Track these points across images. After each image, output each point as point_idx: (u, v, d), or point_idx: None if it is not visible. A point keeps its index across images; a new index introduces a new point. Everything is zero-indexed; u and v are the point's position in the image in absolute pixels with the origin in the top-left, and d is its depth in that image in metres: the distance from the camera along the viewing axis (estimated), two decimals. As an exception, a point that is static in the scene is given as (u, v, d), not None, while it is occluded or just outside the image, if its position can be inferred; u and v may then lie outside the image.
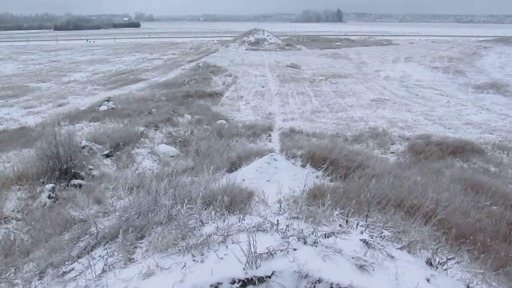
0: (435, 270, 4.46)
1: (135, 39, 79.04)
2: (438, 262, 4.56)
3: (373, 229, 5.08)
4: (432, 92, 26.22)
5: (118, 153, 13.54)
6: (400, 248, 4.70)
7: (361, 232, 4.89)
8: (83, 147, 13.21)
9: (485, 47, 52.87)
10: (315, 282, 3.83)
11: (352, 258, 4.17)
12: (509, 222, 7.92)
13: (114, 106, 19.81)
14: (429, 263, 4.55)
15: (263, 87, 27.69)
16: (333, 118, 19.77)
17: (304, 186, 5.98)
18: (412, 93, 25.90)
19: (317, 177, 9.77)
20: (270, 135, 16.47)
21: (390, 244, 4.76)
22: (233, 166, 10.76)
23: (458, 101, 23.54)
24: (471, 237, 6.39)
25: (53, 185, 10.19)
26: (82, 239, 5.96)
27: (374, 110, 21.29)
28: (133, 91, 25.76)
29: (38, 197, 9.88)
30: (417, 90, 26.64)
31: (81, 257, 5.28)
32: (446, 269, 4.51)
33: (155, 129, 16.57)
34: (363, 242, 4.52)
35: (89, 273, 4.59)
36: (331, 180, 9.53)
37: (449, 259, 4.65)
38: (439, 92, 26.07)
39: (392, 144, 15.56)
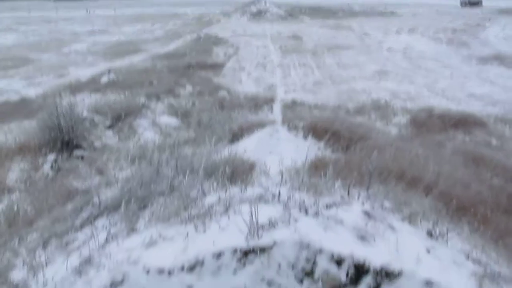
0: (435, 241, 4.49)
1: (136, 10, 78.08)
2: (439, 233, 4.59)
3: (374, 200, 5.10)
4: (435, 64, 25.96)
5: (119, 124, 13.50)
6: (401, 219, 4.72)
7: (363, 203, 4.91)
8: (85, 119, 13.16)
9: (489, 19, 52.17)
10: (316, 252, 3.86)
11: (353, 228, 4.20)
12: (509, 194, 7.94)
13: (115, 77, 19.68)
14: (430, 234, 4.58)
15: (265, 58, 27.44)
16: (335, 90, 19.62)
17: (306, 158, 5.99)
18: (415, 64, 25.65)
19: (318, 148, 9.77)
20: (271, 107, 16.38)
21: (391, 215, 4.78)
22: (235, 138, 10.75)
23: (462, 73, 23.33)
24: (472, 209, 6.41)
25: (55, 156, 10.21)
26: (85, 209, 6.00)
27: (377, 82, 21.11)
28: (134, 62, 25.55)
29: (40, 168, 9.91)
30: (420, 62, 26.37)
31: (84, 227, 5.32)
32: (446, 240, 4.54)
33: (157, 101, 16.48)
34: (364, 213, 4.55)
35: (93, 243, 4.63)
36: (332, 152, 9.53)
37: (450, 230, 4.67)
38: (442, 64, 25.80)
39: (394, 116, 15.46)
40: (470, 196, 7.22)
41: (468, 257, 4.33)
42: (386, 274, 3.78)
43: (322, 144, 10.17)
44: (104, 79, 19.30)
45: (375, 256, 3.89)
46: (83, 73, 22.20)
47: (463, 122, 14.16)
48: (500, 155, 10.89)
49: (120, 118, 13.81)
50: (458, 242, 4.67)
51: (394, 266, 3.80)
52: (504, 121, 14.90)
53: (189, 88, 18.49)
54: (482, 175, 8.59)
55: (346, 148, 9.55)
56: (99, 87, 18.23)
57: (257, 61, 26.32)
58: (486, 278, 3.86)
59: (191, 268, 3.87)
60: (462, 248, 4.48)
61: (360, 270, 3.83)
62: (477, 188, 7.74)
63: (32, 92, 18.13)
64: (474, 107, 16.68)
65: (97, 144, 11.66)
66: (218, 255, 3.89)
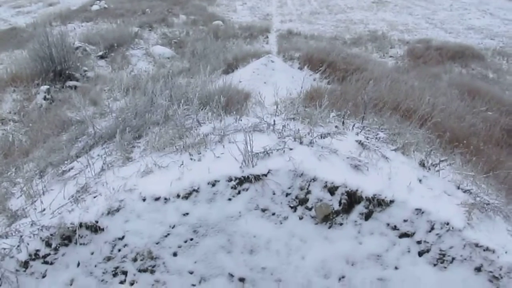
0: (428, 171, 4.55)
1: None
2: (431, 163, 4.64)
3: (368, 131, 5.11)
4: (435, -6, 25.37)
5: (112, 54, 13.31)
6: (395, 150, 4.75)
7: (357, 134, 4.92)
8: (77, 48, 12.95)
9: None
10: (310, 181, 3.91)
11: (347, 158, 4.23)
12: (503, 127, 8.00)
13: (106, 5, 19.19)
14: (422, 164, 4.63)
15: (260, -14, 26.70)
16: (332, 20, 19.28)
17: (301, 88, 5.94)
18: (415, -5, 25.06)
19: (314, 79, 9.71)
20: (267, 37, 16.14)
21: (385, 145, 4.81)
22: (230, 68, 10.65)
23: (461, 4, 22.87)
24: (465, 141, 6.46)
25: (48, 86, 10.12)
26: (80, 139, 6.00)
27: (375, 13, 20.73)
28: (126, -11, 24.80)
29: (33, 99, 9.84)
30: (420, -8, 25.75)
31: (79, 157, 5.34)
32: (438, 171, 4.59)
33: (150, 30, 16.19)
34: (359, 143, 4.57)
35: (89, 171, 4.66)
36: (328, 83, 9.49)
37: (442, 161, 4.72)
38: (442, -5, 25.22)
39: (391, 47, 15.33)
40: (464, 128, 7.27)
41: (458, 187, 4.39)
42: (378, 202, 3.86)
43: (317, 75, 10.11)
44: (95, 7, 18.84)
45: (368, 184, 3.94)
46: (74, 2, 21.63)
47: (460, 55, 14.08)
48: (496, 88, 10.90)
49: (113, 48, 13.62)
50: (450, 172, 4.72)
51: (386, 195, 3.87)
52: (502, 54, 14.82)
53: (182, 17, 18.10)
54: (476, 107, 8.61)
55: (342, 79, 9.50)
56: (90, 15, 17.83)
57: (252, -11, 25.61)
58: (476, 207, 3.94)
59: (187, 196, 3.92)
60: (453, 179, 4.54)
61: (352, 198, 3.90)
62: (471, 120, 7.79)
63: (21, 21, 17.74)
64: (472, 40, 16.52)
65: (90, 74, 11.55)
66: (213, 183, 3.94)
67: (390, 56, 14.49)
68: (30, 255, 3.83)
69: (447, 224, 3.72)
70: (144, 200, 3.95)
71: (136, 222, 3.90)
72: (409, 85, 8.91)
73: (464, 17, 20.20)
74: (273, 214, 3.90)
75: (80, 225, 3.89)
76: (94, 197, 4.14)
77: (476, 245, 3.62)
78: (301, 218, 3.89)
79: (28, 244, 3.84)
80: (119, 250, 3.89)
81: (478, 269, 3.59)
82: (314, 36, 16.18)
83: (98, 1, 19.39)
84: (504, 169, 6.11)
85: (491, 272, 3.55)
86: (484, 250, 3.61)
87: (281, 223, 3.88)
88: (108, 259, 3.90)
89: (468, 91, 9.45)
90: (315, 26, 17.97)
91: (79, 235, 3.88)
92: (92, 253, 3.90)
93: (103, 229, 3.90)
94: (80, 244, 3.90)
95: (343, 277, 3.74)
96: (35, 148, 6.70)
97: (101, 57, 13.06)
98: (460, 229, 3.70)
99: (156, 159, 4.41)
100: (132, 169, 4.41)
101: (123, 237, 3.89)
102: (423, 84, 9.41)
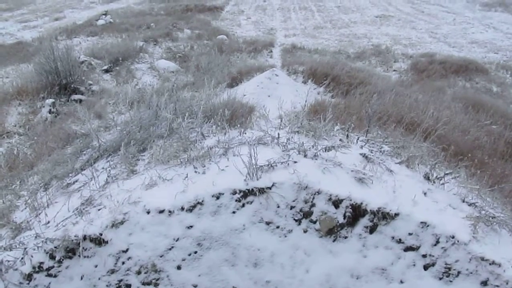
0: (432, 184, 4.54)
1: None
2: (436, 177, 4.63)
3: (373, 144, 5.11)
4: (438, 9, 25.50)
5: (117, 68, 13.40)
6: (399, 163, 4.75)
7: (361, 147, 4.93)
8: (82, 62, 13.04)
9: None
10: (315, 194, 3.90)
11: (352, 171, 4.22)
12: (507, 141, 7.99)
13: (111, 20, 19.36)
14: (427, 177, 4.62)
15: (264, 1, 26.95)
16: (335, 34, 19.38)
17: (305, 102, 5.95)
18: (418, 9, 25.20)
19: (318, 93, 9.74)
20: (271, 51, 16.23)
21: (389, 158, 4.81)
22: (234, 82, 10.69)
23: (465, 19, 22.95)
24: (469, 154, 6.45)
25: (53, 100, 10.18)
26: (84, 152, 6.02)
27: (378, 27, 20.83)
28: (131, 4, 25.08)
29: (39, 112, 9.89)
30: (423, 7, 25.90)
31: (84, 169, 5.35)
32: (443, 184, 4.58)
33: (154, 44, 16.29)
34: (363, 156, 4.57)
35: (93, 184, 4.67)
36: (332, 97, 9.51)
37: (447, 174, 4.70)
38: (445, 9, 25.36)
39: (395, 62, 15.37)
40: (468, 141, 7.27)
41: (463, 200, 4.38)
42: (383, 216, 3.84)
43: (321, 88, 10.14)
44: (101, 22, 19.00)
45: (373, 198, 3.93)
46: (79, 16, 21.84)
47: (464, 69, 14.10)
48: (500, 102, 10.90)
49: (118, 62, 13.70)
50: (455, 186, 4.71)
51: (391, 208, 3.86)
52: (506, 68, 14.83)
53: (187, 31, 18.23)
54: (481, 121, 8.61)
55: (346, 93, 9.53)
56: (96, 30, 17.99)
57: (256, 4, 25.86)
58: (481, 221, 3.92)
59: (191, 209, 3.92)
60: (458, 192, 4.53)
61: (357, 212, 3.88)
62: (475, 133, 7.78)
63: (27, 35, 17.90)
64: (476, 54, 16.55)
65: (95, 88, 11.61)
66: (218, 196, 3.94)
67: (394, 70, 14.53)
68: (34, 267, 3.82)
69: (453, 237, 3.70)
70: (148, 212, 3.95)
71: (140, 234, 3.89)
72: (413, 98, 8.93)
73: (467, 31, 20.27)
74: (278, 227, 3.89)
75: (84, 237, 3.88)
76: (99, 210, 4.14)
77: (482, 258, 3.60)
78: (305, 231, 3.88)
79: (32, 256, 3.83)
80: (123, 263, 3.88)
81: (484, 283, 3.56)
82: (318, 50, 16.26)
83: (103, 16, 19.57)
84: (509, 182, 6.10)
85: (497, 286, 3.52)
86: (490, 264, 3.58)
87: (285, 236, 3.87)
88: (112, 272, 3.88)
89: (472, 105, 9.46)
90: (319, 40, 18.06)
91: (83, 248, 3.87)
92: (96, 266, 3.89)
93: (107, 242, 3.89)
94: (84, 256, 3.89)
95: (348, 291, 3.72)
96: (40, 161, 6.72)
97: (106, 71, 13.14)
98: (466, 243, 3.67)
99: (161, 172, 4.42)
100: (136, 181, 4.41)
101: (127, 249, 3.88)
102: (427, 98, 9.42)
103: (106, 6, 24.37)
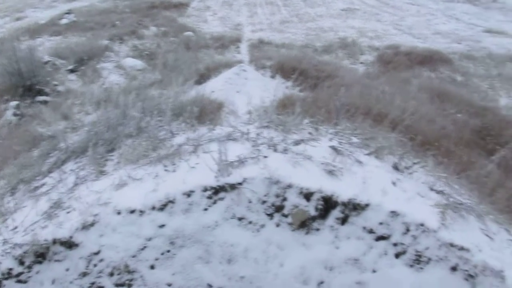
0: (401, 174, 4.61)
1: None
2: (404, 166, 4.71)
3: (342, 136, 5.15)
4: (402, 1, 25.86)
5: (83, 68, 13.15)
6: (368, 154, 4.80)
7: (330, 139, 4.96)
8: (46, 63, 12.76)
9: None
10: (286, 188, 3.92)
11: (322, 164, 4.25)
12: (472, 129, 8.16)
13: (75, 18, 18.99)
14: (395, 167, 4.69)
15: (230, -3, 26.82)
16: (302, 28, 19.45)
17: (274, 96, 5.97)
18: (382, 2, 25.50)
19: (286, 87, 9.77)
20: (238, 47, 16.19)
21: (358, 150, 4.86)
22: (202, 78, 10.63)
23: (428, 10, 23.34)
24: (436, 143, 6.58)
25: (18, 102, 9.94)
26: (51, 154, 5.90)
27: (344, 20, 20.99)
28: (95, 2, 24.64)
29: (3, 115, 9.64)
30: (387, -1, 26.22)
31: (52, 172, 5.25)
32: (411, 173, 4.66)
33: (120, 42, 16.06)
34: (332, 148, 4.60)
35: (61, 187, 4.59)
36: (300, 90, 9.55)
37: (415, 163, 4.79)
38: (409, 1, 25.72)
39: (361, 54, 15.52)
40: (434, 130, 7.40)
41: (432, 188, 4.47)
42: (354, 207, 3.89)
43: (290, 83, 10.17)
44: (64, 21, 18.62)
45: (343, 189, 3.97)
46: (42, 15, 21.35)
47: (429, 59, 14.32)
48: (464, 91, 11.12)
49: (83, 62, 13.46)
50: (423, 174, 4.79)
51: (361, 199, 3.90)
52: (469, 57, 15.14)
53: (153, 29, 18.04)
54: (446, 110, 8.77)
55: (314, 87, 9.58)
56: (59, 29, 17.62)
57: (222, 0, 25.70)
58: (449, 208, 4.01)
59: (162, 207, 3.89)
60: (426, 180, 4.61)
61: (328, 204, 3.92)
62: (441, 123, 7.92)
63: (-12, 36, 17.36)
64: (440, 44, 16.83)
65: (60, 88, 11.37)
66: (189, 194, 3.92)
67: (361, 63, 14.68)
68: (2, 274, 3.74)
69: (422, 225, 3.77)
70: (119, 213, 3.90)
71: (112, 236, 3.85)
72: (380, 90, 9.03)
73: (431, 22, 20.62)
74: (250, 222, 3.89)
75: (54, 241, 3.81)
76: (68, 213, 4.08)
77: (451, 245, 3.68)
78: (278, 226, 3.89)
79: (0, 263, 3.75)
80: (95, 265, 3.83)
81: (454, 269, 3.64)
82: (285, 45, 16.30)
83: (67, 15, 19.18)
84: (475, 169, 6.24)
85: (466, 271, 3.60)
86: (459, 249, 3.66)
87: (258, 231, 3.88)
88: (84, 275, 3.82)
89: (437, 95, 9.62)
90: (285, 35, 18.10)
91: (53, 252, 3.80)
92: (67, 270, 3.83)
93: (77, 245, 3.84)
94: (55, 260, 3.82)
95: (322, 282, 3.75)
96: (6, 165, 6.54)
97: (72, 71, 12.89)
98: (435, 230, 3.75)
99: (130, 172, 4.37)
100: (106, 182, 4.36)
101: (98, 251, 3.83)
102: (393, 89, 9.54)
103: (69, 4, 23.88)
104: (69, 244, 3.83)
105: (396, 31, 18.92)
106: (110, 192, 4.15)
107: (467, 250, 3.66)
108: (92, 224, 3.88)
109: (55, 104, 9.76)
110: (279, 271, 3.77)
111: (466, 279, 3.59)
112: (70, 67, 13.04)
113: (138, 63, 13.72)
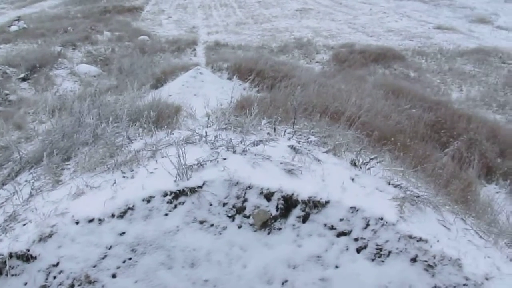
0: (359, 170, 4.69)
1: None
2: (362, 162, 4.78)
3: (300, 135, 5.20)
4: (355, 0, 26.30)
5: (35, 75, 12.83)
6: (326, 152, 4.86)
7: (289, 139, 5.00)
8: (-4, 71, 12.38)
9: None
10: (246, 189, 3.92)
11: (281, 163, 4.28)
12: (426, 123, 8.39)
13: (25, 25, 18.50)
14: (353, 163, 4.76)
15: None
16: (258, 29, 19.55)
17: (232, 98, 5.97)
18: (336, 1, 25.90)
19: (244, 89, 9.80)
20: (194, 49, 16.13)
21: (317, 148, 4.91)
22: (158, 82, 10.54)
23: (380, 8, 23.85)
24: (392, 138, 6.72)
25: (-33, 113, 9.59)
26: (4, 166, 5.72)
27: (299, 20, 21.21)
28: (45, 8, 24.04)
29: (-49, 127, 9.28)
30: (340, -1, 26.62)
31: (5, 184, 5.09)
32: (369, 169, 4.74)
33: (73, 49, 15.74)
34: (291, 148, 4.64)
35: (16, 199, 4.45)
36: (258, 91, 9.59)
37: (372, 159, 4.88)
38: (362, 0, 26.20)
39: (317, 53, 15.72)
40: (390, 126, 7.57)
41: (389, 183, 4.56)
42: (314, 204, 3.92)
43: (247, 84, 10.20)
44: (14, 28, 18.11)
45: (303, 188, 4.01)
46: (-10, 23, 20.64)
47: (382, 57, 14.66)
48: (418, 86, 11.42)
49: (35, 69, 13.13)
50: (380, 169, 4.89)
51: (321, 196, 3.95)
52: (421, 54, 15.57)
53: (107, 34, 17.76)
54: (401, 106, 8.98)
55: (271, 87, 9.64)
56: (9, 37, 17.14)
57: (177, 3, 25.60)
58: (407, 201, 4.10)
59: (122, 215, 3.83)
60: (384, 175, 4.71)
61: (289, 203, 3.95)
62: (397, 118, 8.11)
63: None
64: (392, 42, 17.25)
65: (12, 97, 11.06)
66: (148, 199, 3.87)
67: (317, 62, 14.86)
68: (-44, 292, 3.60)
69: (381, 219, 3.84)
70: (77, 223, 3.81)
71: (71, 246, 3.76)
72: (336, 88, 9.17)
73: (383, 20, 21.08)
74: (212, 225, 3.87)
75: (10, 255, 3.69)
76: (24, 225, 3.95)
77: (410, 236, 3.76)
78: (240, 227, 3.89)
79: (-47, 281, 3.61)
80: (55, 278, 3.73)
81: (414, 260, 3.72)
82: (242, 46, 16.34)
83: (16, 22, 18.65)
84: (431, 162, 6.41)
85: (425, 261, 3.69)
86: (417, 241, 3.75)
87: (220, 234, 3.87)
88: (43, 287, 3.72)
89: (392, 91, 9.84)
90: (241, 36, 18.15)
91: (9, 266, 3.68)
92: (26, 284, 3.71)
93: (35, 257, 3.72)
94: (12, 275, 3.70)
95: (286, 281, 3.77)
96: (-44, 179, 6.31)
97: (23, 79, 12.55)
98: (394, 223, 3.82)
99: (87, 180, 4.28)
100: (62, 192, 4.25)
101: (57, 263, 3.73)
102: (349, 87, 9.70)
103: (18, 11, 23.21)
104: (27, 257, 3.72)
105: (350, 30, 19.25)
106: (67, 202, 4.05)
107: (425, 241, 3.74)
108: (49, 236, 3.77)
109: (7, 114, 9.48)
110: (243, 272, 3.77)
111: (426, 270, 3.67)
112: (22, 75, 12.69)
113: (92, 69, 13.49)
